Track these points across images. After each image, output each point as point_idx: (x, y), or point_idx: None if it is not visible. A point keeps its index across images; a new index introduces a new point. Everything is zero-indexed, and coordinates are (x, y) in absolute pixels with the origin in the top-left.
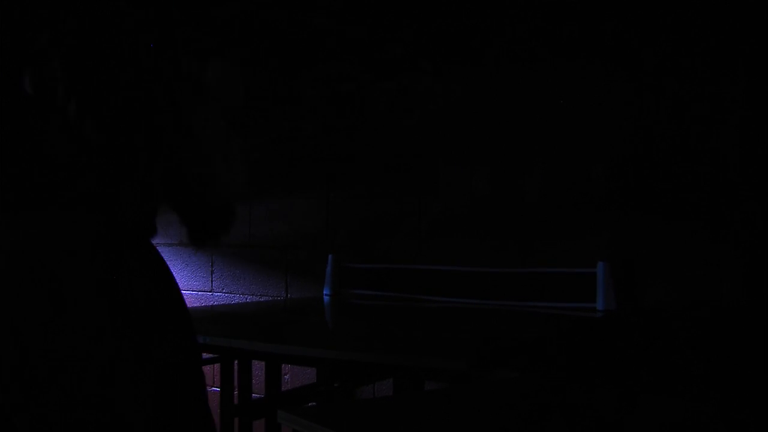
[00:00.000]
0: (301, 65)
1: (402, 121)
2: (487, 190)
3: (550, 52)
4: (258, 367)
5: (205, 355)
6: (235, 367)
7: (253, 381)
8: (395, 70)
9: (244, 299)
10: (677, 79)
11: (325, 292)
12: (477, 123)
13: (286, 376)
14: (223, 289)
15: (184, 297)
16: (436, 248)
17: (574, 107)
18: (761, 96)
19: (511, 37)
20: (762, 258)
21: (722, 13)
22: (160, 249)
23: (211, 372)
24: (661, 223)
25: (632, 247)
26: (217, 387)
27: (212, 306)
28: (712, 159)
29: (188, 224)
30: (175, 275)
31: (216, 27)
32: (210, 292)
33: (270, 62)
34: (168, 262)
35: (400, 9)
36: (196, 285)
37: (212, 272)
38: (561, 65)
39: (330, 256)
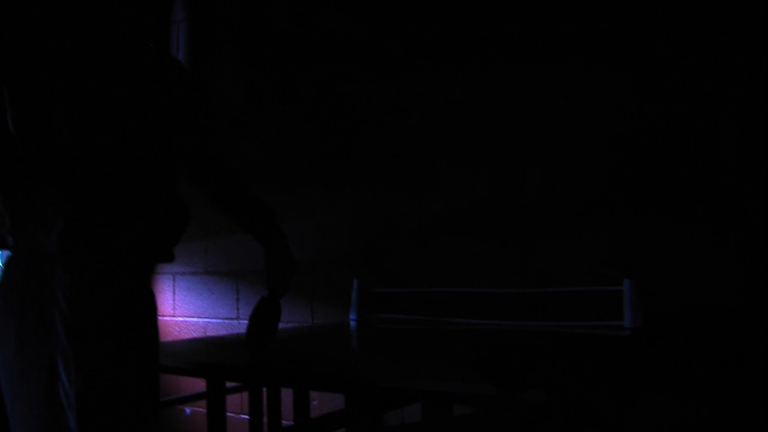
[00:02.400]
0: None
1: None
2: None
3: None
4: (286, 395)
5: (233, 384)
6: (264, 394)
7: (282, 409)
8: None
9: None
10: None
11: (351, 317)
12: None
13: (314, 403)
14: (248, 316)
15: (211, 324)
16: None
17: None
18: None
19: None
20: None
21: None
22: (185, 277)
23: (240, 401)
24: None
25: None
26: (246, 415)
27: (238, 334)
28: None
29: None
30: (200, 303)
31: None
32: (236, 319)
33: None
34: (193, 290)
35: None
36: (221, 312)
37: (238, 299)
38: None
39: (355, 281)
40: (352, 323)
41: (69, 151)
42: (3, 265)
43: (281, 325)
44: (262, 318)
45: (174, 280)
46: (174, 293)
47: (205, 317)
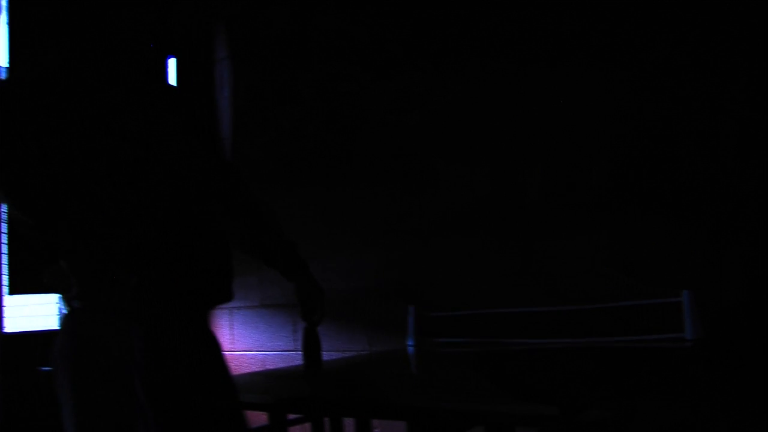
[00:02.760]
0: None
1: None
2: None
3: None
4: (348, 424)
5: (294, 416)
6: (326, 425)
7: None
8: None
9: (328, 356)
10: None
11: (408, 343)
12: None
13: (377, 431)
14: None
15: (269, 357)
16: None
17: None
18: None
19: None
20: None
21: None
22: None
23: None
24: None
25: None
26: None
27: (297, 365)
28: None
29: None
30: (258, 336)
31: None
32: (294, 351)
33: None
34: (250, 324)
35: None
36: (279, 345)
37: (294, 331)
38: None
39: (410, 308)
40: (410, 349)
41: (131, 211)
42: (65, 322)
43: (339, 354)
44: (308, 349)
45: (231, 314)
46: (232, 328)
47: (263, 350)
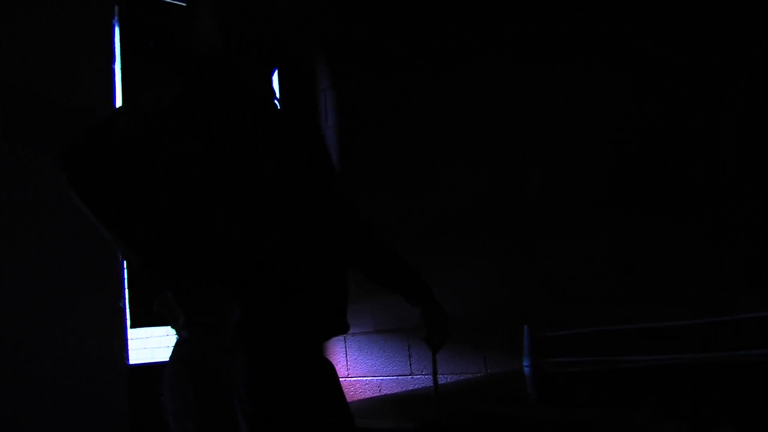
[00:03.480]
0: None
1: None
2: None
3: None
4: None
5: None
6: None
7: None
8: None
9: (444, 379)
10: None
11: (525, 364)
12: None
13: None
14: (422, 371)
15: (385, 382)
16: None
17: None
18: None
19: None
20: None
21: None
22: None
23: None
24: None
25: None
26: None
27: (413, 389)
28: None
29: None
30: (373, 362)
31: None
32: (410, 375)
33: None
34: (365, 350)
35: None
36: (395, 370)
37: (410, 355)
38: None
39: (526, 328)
40: (527, 370)
41: (237, 243)
42: (174, 351)
43: (455, 378)
44: (436, 374)
45: (345, 341)
46: (346, 354)
47: (378, 376)
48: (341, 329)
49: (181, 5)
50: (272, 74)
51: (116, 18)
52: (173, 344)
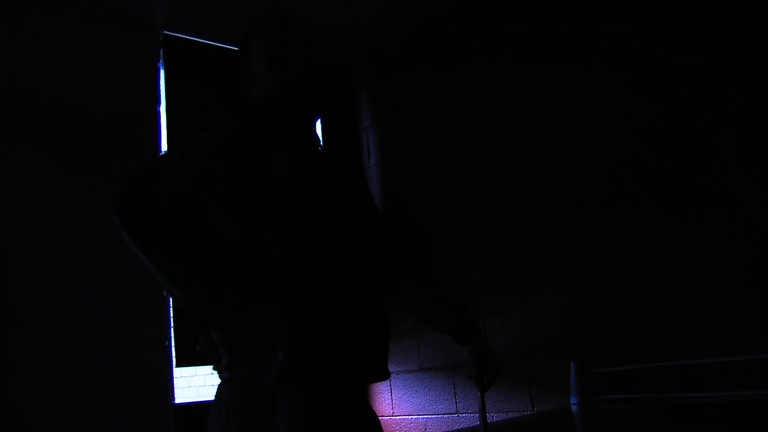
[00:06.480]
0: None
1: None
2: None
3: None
4: None
5: None
6: None
7: None
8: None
9: (491, 418)
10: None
11: (572, 402)
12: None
13: None
14: (468, 409)
15: (431, 420)
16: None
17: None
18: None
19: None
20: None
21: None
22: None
23: None
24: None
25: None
26: None
27: (459, 428)
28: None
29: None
30: (418, 400)
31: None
32: (455, 413)
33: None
34: (410, 388)
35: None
36: (441, 408)
37: (455, 393)
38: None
39: (573, 364)
40: (574, 408)
41: (283, 288)
42: (218, 392)
43: (502, 416)
44: (485, 412)
45: (390, 379)
46: (391, 392)
47: (424, 414)
48: (382, 376)
49: (231, 48)
50: (316, 121)
51: (161, 61)
52: (217, 385)
